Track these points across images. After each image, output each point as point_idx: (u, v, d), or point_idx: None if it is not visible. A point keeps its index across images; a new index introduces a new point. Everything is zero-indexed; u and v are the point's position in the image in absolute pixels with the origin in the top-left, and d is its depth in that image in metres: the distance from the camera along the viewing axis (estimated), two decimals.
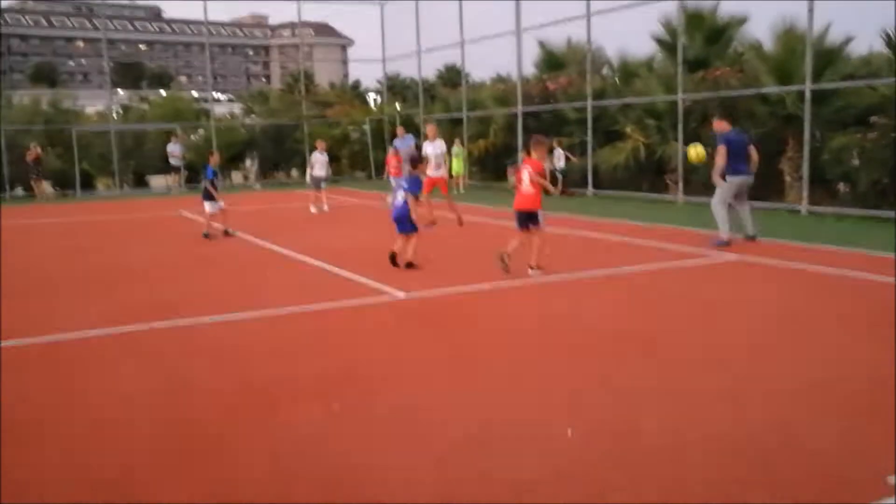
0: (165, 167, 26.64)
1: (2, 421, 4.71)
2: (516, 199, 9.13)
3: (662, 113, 17.73)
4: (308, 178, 17.94)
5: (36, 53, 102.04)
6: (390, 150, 17.96)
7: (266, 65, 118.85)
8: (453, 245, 11.52)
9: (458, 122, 24.66)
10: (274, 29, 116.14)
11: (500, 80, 26.74)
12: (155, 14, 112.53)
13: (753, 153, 10.85)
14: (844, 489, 3.60)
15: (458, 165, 22.25)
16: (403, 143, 20.05)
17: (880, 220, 12.77)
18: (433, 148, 14.11)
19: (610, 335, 6.50)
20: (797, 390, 4.95)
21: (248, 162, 28.28)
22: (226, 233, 13.34)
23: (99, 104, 31.76)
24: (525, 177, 9.09)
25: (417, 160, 10.83)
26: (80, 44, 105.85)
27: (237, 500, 3.68)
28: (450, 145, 22.84)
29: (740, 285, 8.42)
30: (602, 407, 4.76)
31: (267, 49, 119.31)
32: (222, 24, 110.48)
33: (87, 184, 26.68)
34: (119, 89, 57.57)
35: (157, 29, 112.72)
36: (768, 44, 16.97)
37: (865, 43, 16.68)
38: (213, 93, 63.09)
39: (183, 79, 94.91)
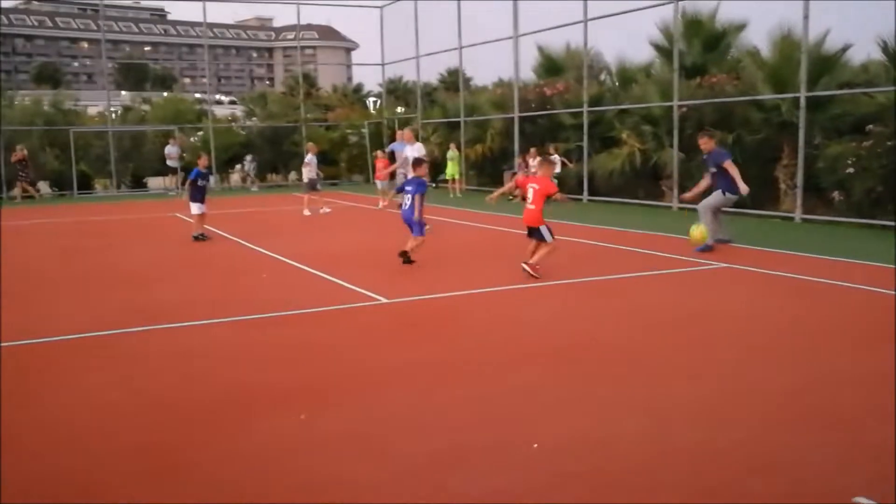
0: (164, 169, 26.64)
1: None
2: (524, 213, 9.53)
3: (658, 119, 17.65)
4: (306, 179, 17.96)
5: (41, 54, 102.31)
6: (378, 154, 17.99)
7: (270, 67, 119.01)
8: (442, 250, 11.43)
9: (457, 126, 24.63)
10: (278, 31, 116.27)
11: (501, 84, 26.70)
12: (159, 16, 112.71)
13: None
14: None
15: (452, 169, 22.20)
16: (400, 146, 20.05)
17: (874, 229, 12.69)
18: (412, 152, 14.05)
19: (590, 344, 6.42)
20: (774, 402, 4.87)
21: (245, 164, 28.20)
22: (200, 236, 13.21)
23: (101, 105, 31.76)
24: (530, 194, 9.44)
25: (419, 162, 10.80)
26: (85, 44, 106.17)
27: None
28: (445, 149, 22.86)
29: (727, 294, 8.33)
30: (578, 418, 4.68)
31: (271, 51, 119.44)
32: (227, 27, 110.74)
33: (85, 185, 26.68)
34: (122, 91, 57.66)
35: (162, 31, 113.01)
36: (766, 50, 16.91)
37: (866, 50, 16.54)
38: (216, 95, 63.26)
39: (187, 80, 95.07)
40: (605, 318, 7.38)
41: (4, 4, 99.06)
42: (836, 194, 13.91)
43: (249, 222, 16.36)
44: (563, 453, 4.17)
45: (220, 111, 39.78)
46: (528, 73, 23.92)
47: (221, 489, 3.82)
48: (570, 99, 20.20)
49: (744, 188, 10.67)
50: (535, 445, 4.23)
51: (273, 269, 10.52)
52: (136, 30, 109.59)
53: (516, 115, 21.55)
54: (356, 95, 46.41)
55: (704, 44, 18.58)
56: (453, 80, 41.49)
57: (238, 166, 28.95)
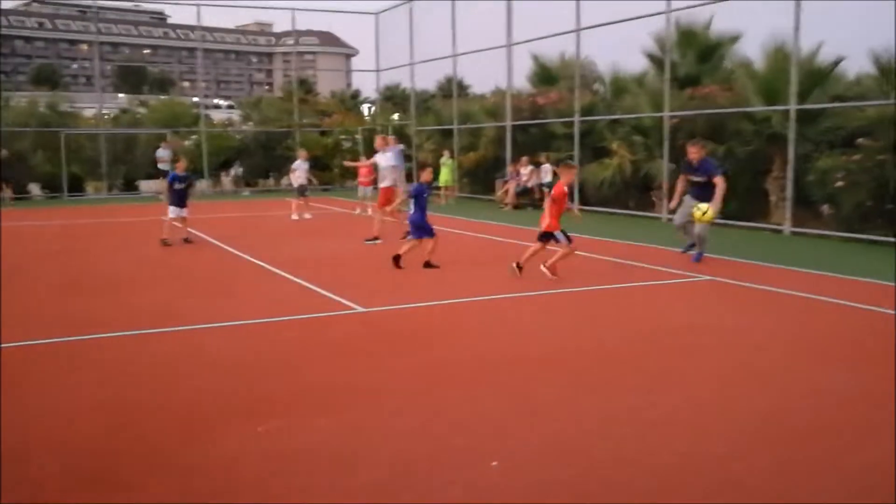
0: (156, 172, 26.48)
1: None
2: (541, 218, 9.88)
3: (649, 130, 17.58)
4: (295, 184, 17.95)
5: (40, 56, 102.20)
6: (363, 160, 17.96)
7: (269, 72, 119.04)
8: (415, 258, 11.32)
9: (450, 133, 24.59)
10: (278, 37, 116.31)
11: (498, 92, 26.66)
12: (159, 19, 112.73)
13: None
14: None
15: (446, 176, 22.12)
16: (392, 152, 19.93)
17: (863, 244, 12.60)
18: (385, 160, 13.91)
19: (570, 355, 6.31)
20: (754, 418, 4.77)
21: (233, 169, 28.20)
22: (164, 242, 13.08)
23: (102, 108, 31.74)
24: (546, 202, 9.87)
25: (424, 166, 11.46)
26: (84, 47, 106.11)
27: None
28: (439, 156, 22.78)
29: (712, 307, 8.24)
30: (556, 427, 4.58)
31: (271, 56, 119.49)
32: (227, 31, 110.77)
33: (77, 187, 26.56)
34: (120, 93, 57.59)
35: (162, 34, 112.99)
36: (759, 62, 16.84)
37: (859, 64, 16.48)
38: (214, 99, 63.20)
39: (186, 84, 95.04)
40: (587, 329, 7.28)
41: (4, 5, 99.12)
42: (825, 208, 13.84)
43: (235, 227, 16.27)
44: (541, 461, 4.10)
45: (218, 115, 39.72)
46: (524, 83, 23.92)
47: (169, 496, 3.71)
48: (563, 108, 20.13)
49: (717, 209, 10.54)
50: (495, 463, 4.12)
51: (252, 274, 10.42)
52: (136, 33, 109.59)
53: (508, 123, 21.50)
54: (354, 101, 46.39)
55: (698, 55, 18.53)
56: (451, 88, 41.47)
57: (232, 169, 28.91)
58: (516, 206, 20.04)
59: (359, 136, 29.03)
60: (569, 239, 9.55)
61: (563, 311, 8.18)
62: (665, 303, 8.49)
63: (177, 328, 7.26)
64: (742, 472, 3.99)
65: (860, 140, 13.40)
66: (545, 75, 23.27)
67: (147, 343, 6.81)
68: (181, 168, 13.62)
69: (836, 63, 15.65)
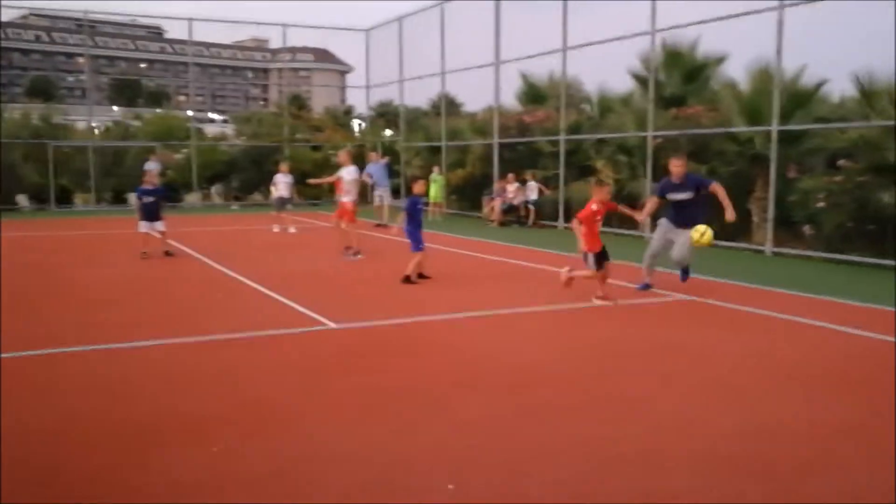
0: None
1: None
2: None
3: (634, 149, 17.64)
4: (273, 198, 18.03)
5: (36, 68, 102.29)
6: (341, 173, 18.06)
7: (265, 88, 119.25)
8: (396, 273, 11.29)
9: (439, 150, 24.67)
10: (274, 53, 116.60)
11: (488, 110, 26.74)
12: (156, 34, 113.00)
13: None
14: None
15: (435, 192, 22.12)
16: (374, 167, 20.05)
17: (843, 265, 12.62)
18: (348, 174, 13.96)
19: (538, 376, 6.26)
20: (715, 445, 4.71)
21: (214, 186, 28.27)
22: (143, 255, 13.12)
23: (93, 120, 31.80)
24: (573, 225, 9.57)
25: (416, 179, 11.56)
26: (81, 59, 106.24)
27: None
28: (429, 172, 22.79)
29: (688, 328, 8.19)
30: (510, 454, 4.53)
31: (266, 72, 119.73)
32: (223, 46, 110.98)
33: (66, 199, 26.53)
34: (115, 106, 57.60)
35: (159, 48, 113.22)
36: (744, 83, 16.92)
37: (843, 87, 16.57)
38: (209, 113, 63.31)
39: (182, 98, 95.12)
40: (559, 348, 7.21)
41: (4, 18, 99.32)
42: (807, 228, 13.86)
43: (219, 240, 16.24)
44: (494, 489, 4.04)
45: (212, 129, 39.83)
46: (514, 101, 24.01)
47: None
48: (550, 126, 20.20)
49: (731, 212, 9.68)
50: (451, 486, 4.08)
51: (229, 289, 10.38)
52: (133, 47, 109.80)
53: (495, 141, 21.57)
54: (347, 117, 46.52)
55: (684, 75, 18.62)
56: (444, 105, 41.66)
57: (213, 188, 29.01)
58: (502, 223, 20.05)
59: None
60: (599, 265, 9.28)
61: (534, 330, 8.13)
62: (643, 322, 8.43)
63: (137, 343, 7.19)
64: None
65: (841, 161, 13.46)
66: (534, 94, 23.40)
67: (103, 359, 6.76)
68: (149, 181, 13.63)
69: (819, 85, 15.76)
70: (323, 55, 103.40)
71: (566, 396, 5.65)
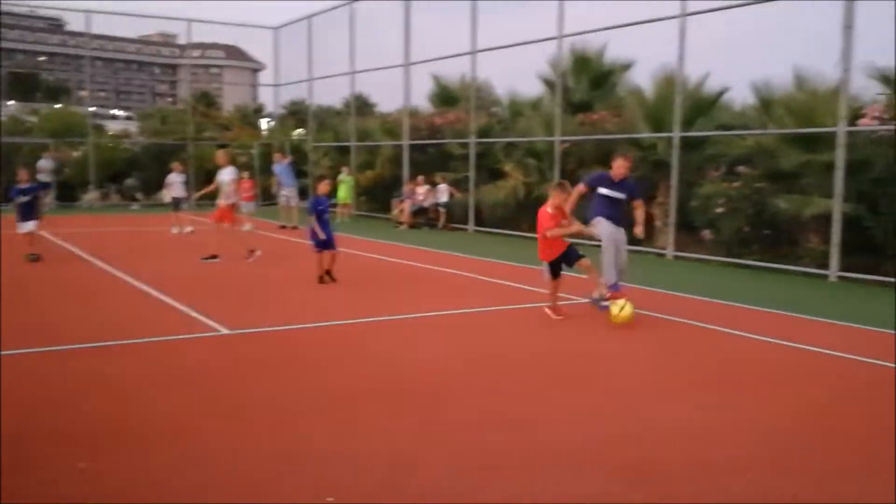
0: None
1: None
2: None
3: (542, 153, 17.73)
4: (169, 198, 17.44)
5: None
6: (245, 175, 17.70)
7: (174, 84, 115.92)
8: (310, 277, 10.96)
9: (348, 150, 24.33)
10: (183, 48, 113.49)
11: (400, 111, 26.55)
12: (56, 26, 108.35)
13: None
14: None
15: (344, 193, 21.77)
16: (280, 167, 19.57)
17: (741, 268, 12.93)
18: (226, 175, 13.58)
19: (428, 384, 6.08)
20: (599, 452, 4.63)
21: (106, 186, 27.18)
22: (31, 256, 12.52)
23: None
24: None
25: (321, 178, 11.70)
26: None
27: None
28: (337, 172, 22.41)
29: (587, 332, 8.17)
30: (392, 467, 4.32)
31: (175, 68, 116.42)
32: (127, 41, 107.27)
33: None
34: (9, 101, 54.67)
35: (59, 41, 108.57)
36: (650, 90, 17.20)
37: (745, 95, 17.02)
38: (112, 110, 60.95)
39: (83, 93, 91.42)
40: (452, 354, 7.06)
41: None
42: (706, 233, 14.17)
43: (113, 241, 15.51)
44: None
45: (115, 126, 38.27)
46: (426, 103, 23.88)
47: None
48: (460, 129, 20.14)
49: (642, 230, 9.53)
50: (331, 499, 3.85)
51: (119, 292, 9.84)
52: (32, 39, 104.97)
53: (405, 142, 21.39)
54: (257, 116, 45.52)
55: (592, 81, 18.84)
56: (358, 105, 41.19)
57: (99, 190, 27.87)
58: (412, 226, 19.87)
59: (254, 151, 28.45)
60: (555, 274, 8.75)
61: (435, 335, 7.96)
62: (547, 327, 8.34)
63: (21, 350, 6.69)
64: None
65: (740, 168, 13.81)
66: (445, 96, 23.32)
67: None
68: (23, 179, 12.95)
69: (721, 93, 16.17)
70: (234, 52, 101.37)
71: (456, 406, 5.48)
